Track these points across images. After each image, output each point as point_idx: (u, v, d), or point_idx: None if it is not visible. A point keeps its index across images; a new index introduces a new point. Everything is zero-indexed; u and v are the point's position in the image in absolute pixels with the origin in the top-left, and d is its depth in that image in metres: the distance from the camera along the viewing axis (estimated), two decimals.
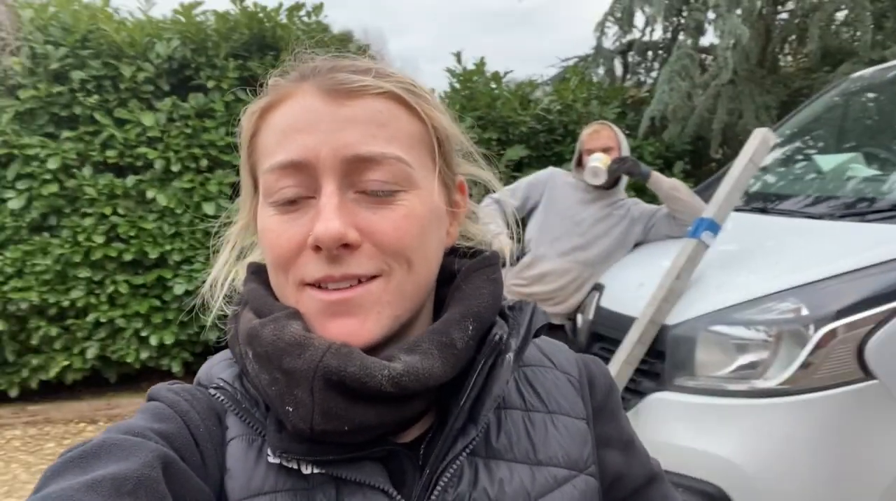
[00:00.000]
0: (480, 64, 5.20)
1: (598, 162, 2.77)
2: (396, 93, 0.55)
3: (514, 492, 0.56)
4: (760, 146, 2.27)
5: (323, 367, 0.49)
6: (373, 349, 0.53)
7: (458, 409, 0.55)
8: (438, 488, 0.54)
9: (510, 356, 0.57)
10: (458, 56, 5.19)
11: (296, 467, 0.53)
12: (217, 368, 0.61)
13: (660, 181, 2.78)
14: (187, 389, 0.57)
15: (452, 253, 0.66)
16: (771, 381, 1.85)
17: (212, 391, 0.58)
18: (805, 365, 1.80)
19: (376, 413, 0.51)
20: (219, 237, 0.69)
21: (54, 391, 4.50)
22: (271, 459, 0.53)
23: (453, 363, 0.54)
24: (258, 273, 0.62)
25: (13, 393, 4.29)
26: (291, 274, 0.54)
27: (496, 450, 0.58)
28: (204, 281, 0.67)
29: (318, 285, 0.53)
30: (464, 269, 0.62)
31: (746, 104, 5.06)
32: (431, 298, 0.62)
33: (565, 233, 2.87)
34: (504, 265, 0.67)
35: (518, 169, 4.94)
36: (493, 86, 5.18)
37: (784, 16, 5.80)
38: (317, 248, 0.52)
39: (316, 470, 0.52)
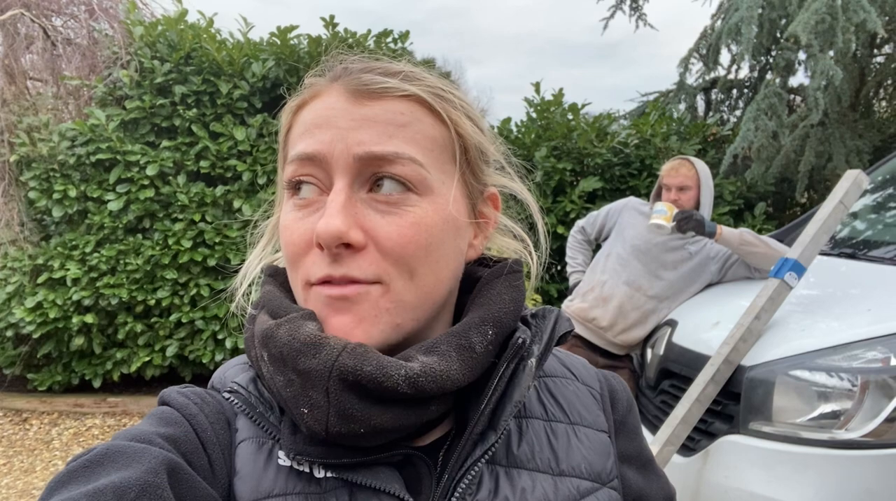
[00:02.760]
0: (559, 95, 5.24)
1: (661, 216, 2.68)
2: (421, 96, 0.54)
3: None
4: (852, 188, 2.19)
5: (339, 367, 0.48)
6: (390, 351, 0.52)
7: (479, 414, 0.53)
8: (456, 494, 0.52)
9: (532, 362, 0.56)
10: (536, 86, 5.24)
11: (308, 470, 0.52)
12: (231, 372, 0.60)
13: (728, 237, 2.65)
14: (198, 392, 0.56)
15: (478, 262, 0.64)
16: (854, 432, 1.77)
17: (225, 394, 0.57)
18: (891, 419, 1.72)
19: (393, 415, 0.49)
20: (256, 229, 0.69)
21: (134, 384, 4.75)
22: (282, 462, 0.52)
23: (471, 366, 0.52)
24: (274, 275, 0.62)
25: (96, 383, 4.55)
26: (300, 273, 0.54)
27: (517, 459, 0.57)
28: None
29: (321, 284, 0.53)
30: (485, 276, 0.61)
31: (837, 147, 4.88)
32: (452, 305, 0.61)
33: (632, 259, 2.83)
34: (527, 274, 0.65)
35: (591, 200, 4.92)
36: (570, 117, 5.20)
37: (880, 59, 5.59)
38: (320, 246, 0.51)
39: (329, 474, 0.51)
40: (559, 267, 5.15)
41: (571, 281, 3.18)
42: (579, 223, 3.24)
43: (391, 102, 0.53)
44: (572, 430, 0.62)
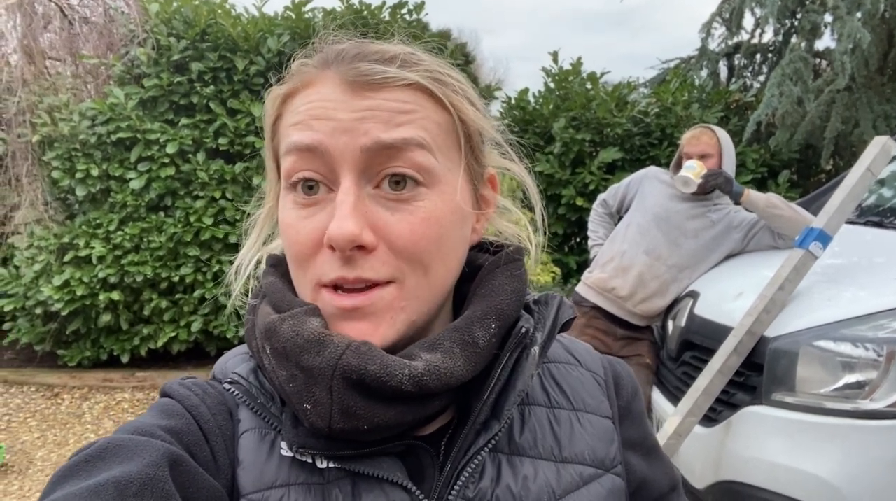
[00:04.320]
0: (577, 64, 5.16)
1: (690, 171, 2.66)
2: (422, 83, 0.53)
3: (539, 489, 0.55)
4: (880, 154, 2.14)
5: (342, 365, 0.47)
6: (391, 348, 0.52)
7: (482, 403, 0.53)
8: (459, 483, 0.52)
9: (535, 350, 0.56)
10: (554, 55, 5.16)
11: (310, 461, 0.52)
12: (232, 362, 0.59)
13: (755, 200, 2.62)
14: (199, 384, 0.56)
15: (477, 247, 0.63)
16: (879, 403, 1.75)
17: (226, 385, 0.57)
18: None
19: (396, 412, 0.49)
20: (248, 219, 0.68)
21: (161, 359, 4.85)
22: (285, 452, 0.52)
23: (475, 361, 0.52)
24: (277, 265, 0.60)
25: (124, 358, 4.65)
26: (309, 273, 0.53)
27: (520, 446, 0.57)
28: None
29: (332, 286, 0.52)
30: (487, 265, 0.60)
31: (864, 113, 4.75)
32: (451, 295, 0.60)
33: (651, 228, 2.79)
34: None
35: (611, 171, 4.87)
36: (589, 86, 5.12)
37: None
38: (332, 247, 0.50)
39: (332, 465, 0.51)
40: (578, 239, 5.13)
41: (592, 254, 3.17)
42: (601, 196, 3.21)
43: (392, 91, 0.52)
44: (575, 416, 0.61)
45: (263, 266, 0.63)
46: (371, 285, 0.51)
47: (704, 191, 2.71)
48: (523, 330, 0.55)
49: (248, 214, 0.68)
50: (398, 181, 0.51)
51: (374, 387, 0.48)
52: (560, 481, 0.56)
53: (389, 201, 0.51)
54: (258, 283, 0.62)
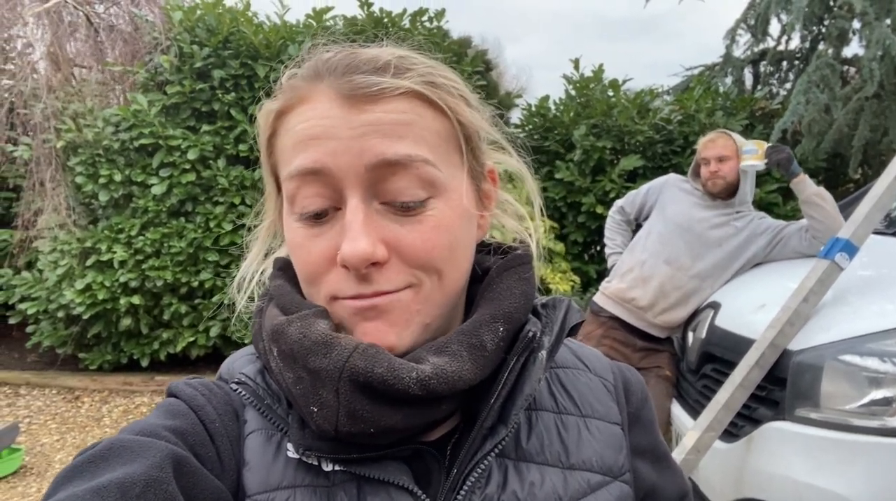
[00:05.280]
0: (598, 71, 5.11)
1: (752, 157, 2.62)
2: (418, 90, 0.52)
3: (546, 496, 0.54)
4: None
5: (350, 368, 0.47)
6: (405, 351, 0.52)
7: (488, 408, 0.53)
8: (465, 488, 0.52)
9: (543, 354, 0.55)
10: (575, 62, 5.13)
11: (316, 463, 0.52)
12: (239, 363, 0.59)
13: (805, 184, 2.57)
14: (205, 384, 0.56)
15: (483, 249, 0.63)
16: None
17: (233, 386, 0.57)
18: None
19: (403, 416, 0.49)
20: (250, 234, 0.67)
21: (180, 364, 4.89)
22: (291, 454, 0.52)
23: (483, 365, 0.51)
24: (285, 269, 0.60)
25: (144, 362, 4.70)
26: (324, 290, 0.53)
27: (527, 452, 0.56)
28: None
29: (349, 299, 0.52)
30: (495, 268, 0.59)
31: (893, 121, 4.64)
32: (463, 298, 0.59)
33: (673, 237, 2.74)
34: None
35: (632, 179, 4.81)
36: (611, 93, 5.07)
37: None
38: (346, 267, 0.50)
39: (337, 468, 0.51)
40: (598, 248, 5.07)
41: (610, 262, 3.11)
42: (618, 203, 3.14)
43: (389, 103, 0.51)
44: (583, 423, 0.60)
45: (267, 277, 0.63)
46: (387, 293, 0.51)
47: (735, 187, 2.69)
48: (531, 333, 0.54)
49: (249, 228, 0.67)
50: (406, 199, 0.51)
51: (381, 390, 0.47)
52: (567, 488, 0.55)
53: (398, 215, 0.51)
54: (265, 287, 0.62)
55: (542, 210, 0.67)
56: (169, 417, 0.51)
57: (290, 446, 0.53)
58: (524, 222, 0.66)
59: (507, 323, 0.54)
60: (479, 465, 0.53)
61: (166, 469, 0.44)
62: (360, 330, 0.51)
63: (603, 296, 2.91)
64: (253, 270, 0.66)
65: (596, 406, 0.62)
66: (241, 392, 0.56)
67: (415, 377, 0.48)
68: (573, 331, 0.60)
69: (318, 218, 0.52)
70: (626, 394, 0.65)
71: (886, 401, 1.75)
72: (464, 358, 0.50)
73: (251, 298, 0.64)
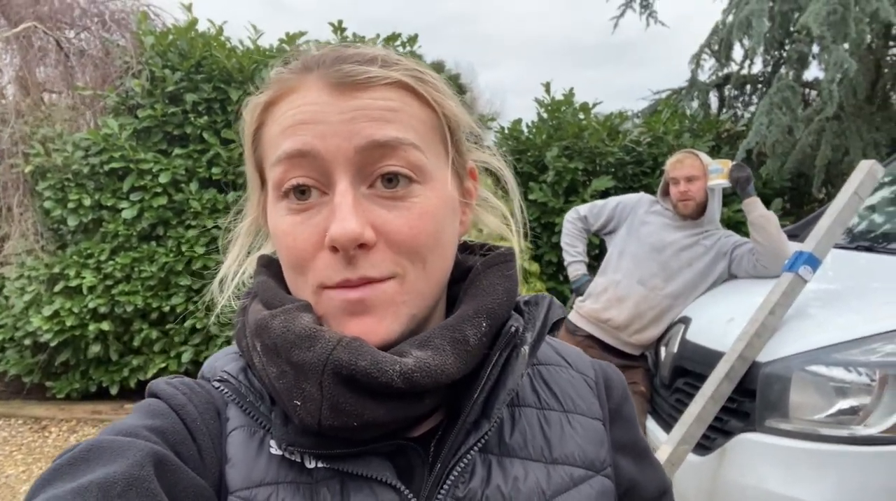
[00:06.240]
0: (569, 94, 5.21)
1: (719, 176, 2.71)
2: (405, 81, 0.53)
3: (529, 491, 0.55)
4: (867, 178, 2.15)
5: (333, 361, 0.47)
6: (393, 344, 0.52)
7: (472, 403, 0.53)
8: (448, 482, 0.52)
9: (525, 349, 0.56)
10: (547, 86, 5.22)
11: (299, 460, 0.52)
12: (221, 361, 0.59)
13: (755, 205, 2.65)
14: (186, 383, 0.56)
15: (465, 249, 0.64)
16: (873, 428, 1.72)
17: (215, 383, 0.57)
18: None
19: (387, 409, 0.49)
20: (229, 232, 0.68)
21: None
22: (274, 451, 0.52)
23: (465, 359, 0.52)
24: (269, 265, 0.60)
25: (113, 390, 4.59)
26: (310, 278, 0.53)
27: (510, 448, 0.57)
28: None
29: (335, 286, 0.52)
30: (478, 265, 0.60)
31: (853, 141, 4.80)
32: (444, 295, 0.60)
33: (646, 259, 2.79)
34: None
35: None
36: (582, 116, 5.17)
37: None
38: (333, 249, 0.50)
39: (321, 465, 0.51)
40: None
41: (571, 270, 3.13)
42: (580, 211, 3.14)
43: (377, 91, 0.52)
44: (566, 418, 0.61)
45: (249, 276, 0.63)
46: (373, 281, 0.51)
47: (703, 208, 2.78)
48: (513, 329, 0.55)
49: (227, 229, 0.68)
50: (391, 179, 0.52)
51: (365, 383, 0.48)
52: (550, 482, 0.56)
53: (385, 199, 0.52)
54: (249, 285, 0.62)
55: (521, 207, 0.68)
56: (149, 417, 0.51)
57: (272, 442, 0.52)
58: (504, 218, 0.68)
59: (489, 318, 0.54)
60: (462, 460, 0.53)
61: (147, 467, 0.44)
62: (347, 325, 0.52)
63: (577, 316, 2.93)
64: (234, 268, 0.65)
65: (578, 401, 0.63)
66: (223, 389, 0.56)
67: (398, 370, 0.48)
68: (555, 327, 0.61)
69: (303, 195, 0.52)
70: (608, 391, 0.66)
71: (853, 410, 1.78)
72: (447, 352, 0.51)
73: (237, 296, 0.64)
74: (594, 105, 5.19)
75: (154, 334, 4.49)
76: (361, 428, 0.49)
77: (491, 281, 0.58)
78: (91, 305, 4.33)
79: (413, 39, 4.98)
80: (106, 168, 4.45)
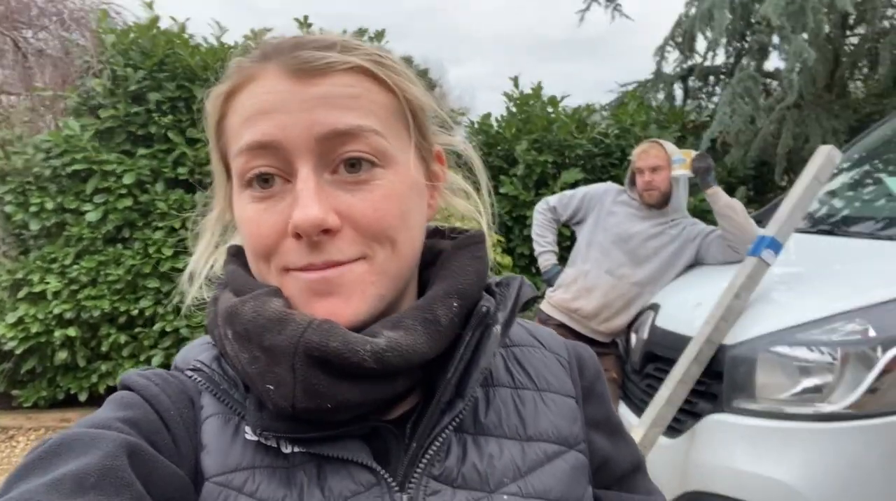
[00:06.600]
0: (537, 88, 5.24)
1: (682, 166, 2.77)
2: (365, 66, 0.53)
3: (504, 467, 0.55)
4: (825, 163, 2.20)
5: (304, 343, 0.48)
6: (361, 325, 0.52)
7: (445, 382, 0.53)
8: (424, 462, 0.53)
9: (497, 328, 0.56)
10: (515, 80, 5.25)
11: (275, 445, 0.52)
12: (194, 351, 0.59)
13: (718, 196, 2.71)
14: (158, 373, 0.56)
15: (436, 233, 0.65)
16: (836, 405, 1.77)
17: (188, 373, 0.57)
18: (872, 389, 1.73)
19: (360, 390, 0.49)
20: (196, 226, 0.67)
21: None
22: (249, 437, 0.52)
23: (437, 339, 0.52)
24: (238, 255, 0.60)
25: (82, 397, 4.49)
26: (273, 262, 0.53)
27: (485, 426, 0.57)
28: None
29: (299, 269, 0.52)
30: (448, 248, 0.60)
31: (813, 128, 4.92)
32: (416, 278, 0.60)
33: (613, 249, 2.84)
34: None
35: None
36: (550, 109, 5.20)
37: (854, 40, 5.64)
38: (297, 236, 0.50)
39: (297, 449, 0.52)
40: None
41: (541, 260, 3.16)
42: (549, 201, 3.17)
43: (337, 76, 0.52)
44: (539, 396, 0.62)
45: (218, 268, 0.63)
46: (340, 264, 0.51)
47: (667, 197, 2.81)
48: (484, 309, 0.55)
49: (194, 222, 0.67)
50: (353, 164, 0.52)
51: (337, 364, 0.48)
52: (525, 459, 0.57)
53: (348, 184, 0.52)
54: (218, 279, 0.62)
55: (489, 190, 0.68)
56: (121, 409, 0.50)
57: (247, 429, 0.53)
58: (473, 203, 0.68)
59: (461, 298, 0.55)
60: (437, 439, 0.53)
61: (120, 457, 0.44)
62: (313, 306, 0.52)
63: (548, 305, 2.97)
64: (204, 261, 0.65)
65: (551, 380, 0.64)
66: (196, 378, 0.56)
67: (369, 350, 0.48)
68: (527, 306, 0.61)
69: (266, 184, 0.52)
70: (580, 369, 0.67)
71: (817, 389, 1.83)
72: (418, 331, 0.51)
73: (208, 289, 0.64)
74: (562, 98, 5.24)
75: (122, 338, 4.40)
76: (335, 410, 0.49)
77: (461, 262, 0.58)
78: (56, 311, 4.23)
79: (380, 35, 4.96)
80: (68, 170, 4.35)
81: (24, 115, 4.89)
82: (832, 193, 3.00)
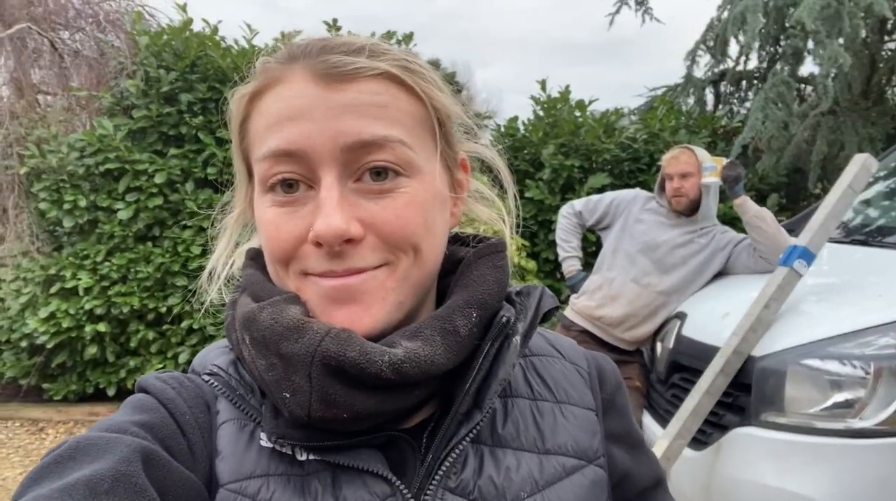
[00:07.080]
0: (565, 92, 5.20)
1: (712, 174, 2.72)
2: (393, 73, 0.52)
3: (522, 480, 0.54)
4: (861, 172, 2.15)
5: (321, 352, 0.47)
6: (380, 333, 0.51)
7: (463, 393, 0.52)
8: (440, 473, 0.52)
9: (517, 339, 0.55)
10: (542, 84, 5.21)
11: (290, 453, 0.51)
12: (212, 355, 0.59)
13: (746, 207, 2.66)
14: (176, 377, 0.56)
15: (456, 240, 0.63)
16: (868, 421, 1.72)
17: (205, 377, 0.56)
18: None
19: (376, 400, 0.49)
20: (216, 226, 0.67)
21: None
22: (264, 443, 0.52)
23: (456, 350, 0.51)
24: (257, 258, 0.60)
25: (111, 391, 4.58)
26: (292, 267, 0.53)
27: (502, 438, 0.56)
28: None
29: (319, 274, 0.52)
30: (469, 256, 0.59)
31: (849, 135, 4.79)
32: (434, 286, 0.60)
33: (640, 257, 2.80)
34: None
35: None
36: (577, 113, 5.16)
37: (892, 45, 5.49)
38: (318, 244, 0.50)
39: (312, 457, 0.51)
40: None
41: (565, 266, 3.12)
42: (575, 205, 3.13)
43: (364, 83, 0.51)
44: (558, 408, 0.61)
45: (237, 268, 0.63)
46: (362, 271, 0.51)
47: (697, 205, 2.77)
48: (504, 319, 0.54)
49: (214, 222, 0.67)
50: (379, 173, 0.51)
51: (354, 374, 0.47)
52: (543, 472, 0.56)
53: (372, 193, 0.51)
54: (238, 280, 0.61)
55: (515, 197, 0.67)
56: (137, 412, 0.50)
57: (263, 435, 0.52)
58: (498, 211, 0.68)
59: (480, 309, 0.54)
60: (453, 450, 0.52)
61: (135, 463, 0.43)
62: (332, 314, 0.51)
63: (572, 312, 2.94)
64: (223, 261, 0.65)
65: (570, 392, 0.63)
66: (213, 383, 0.56)
67: (387, 360, 0.47)
68: (547, 317, 0.60)
69: (289, 189, 0.51)
70: (601, 381, 0.66)
71: (848, 404, 1.79)
72: (437, 342, 0.50)
73: (228, 289, 0.63)
74: (590, 102, 5.18)
75: (151, 335, 4.48)
76: (352, 420, 0.48)
77: (481, 271, 0.57)
78: (87, 306, 4.32)
79: (408, 38, 4.97)
80: (101, 169, 4.44)
81: (60, 115, 5.00)
82: (867, 202, 2.93)
